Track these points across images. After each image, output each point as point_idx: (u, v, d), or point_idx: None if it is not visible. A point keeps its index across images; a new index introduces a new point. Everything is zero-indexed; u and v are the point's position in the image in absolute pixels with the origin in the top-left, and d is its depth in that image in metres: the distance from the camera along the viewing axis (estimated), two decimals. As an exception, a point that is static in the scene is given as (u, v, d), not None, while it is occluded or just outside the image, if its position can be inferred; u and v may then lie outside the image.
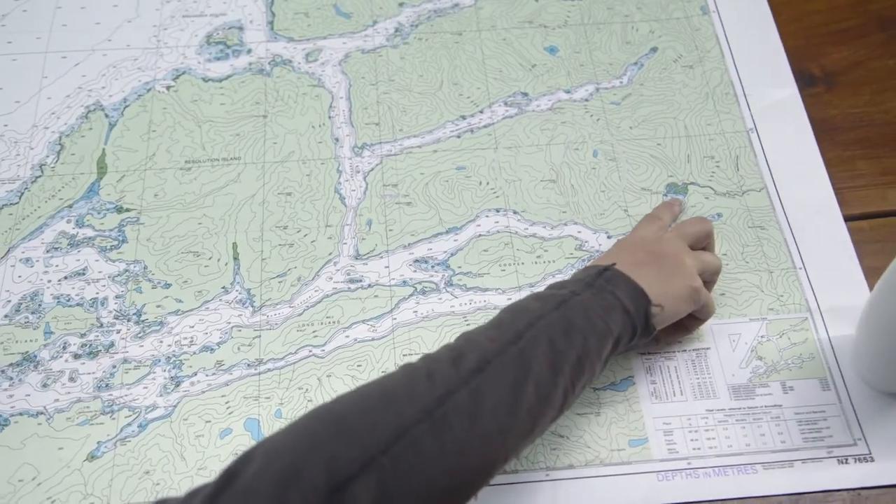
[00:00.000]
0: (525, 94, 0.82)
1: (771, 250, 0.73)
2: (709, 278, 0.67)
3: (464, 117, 0.81)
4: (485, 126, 0.81)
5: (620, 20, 0.87)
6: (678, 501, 0.63)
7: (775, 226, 0.75)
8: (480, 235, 0.74)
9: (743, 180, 0.77)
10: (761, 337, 0.69)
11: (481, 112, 0.81)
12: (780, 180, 0.77)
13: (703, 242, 0.68)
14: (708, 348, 0.69)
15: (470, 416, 0.50)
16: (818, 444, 0.65)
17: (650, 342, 0.64)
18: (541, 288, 0.70)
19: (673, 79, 0.83)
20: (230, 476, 0.45)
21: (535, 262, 0.73)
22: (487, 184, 0.77)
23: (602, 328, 0.57)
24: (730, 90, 0.82)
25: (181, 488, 0.63)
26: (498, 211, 0.76)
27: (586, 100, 0.82)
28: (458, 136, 0.80)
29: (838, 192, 0.76)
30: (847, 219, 0.75)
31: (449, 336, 0.69)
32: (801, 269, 0.72)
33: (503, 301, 0.71)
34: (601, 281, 0.60)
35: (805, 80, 0.82)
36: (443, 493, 0.50)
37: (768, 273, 0.72)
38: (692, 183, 0.77)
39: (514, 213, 0.76)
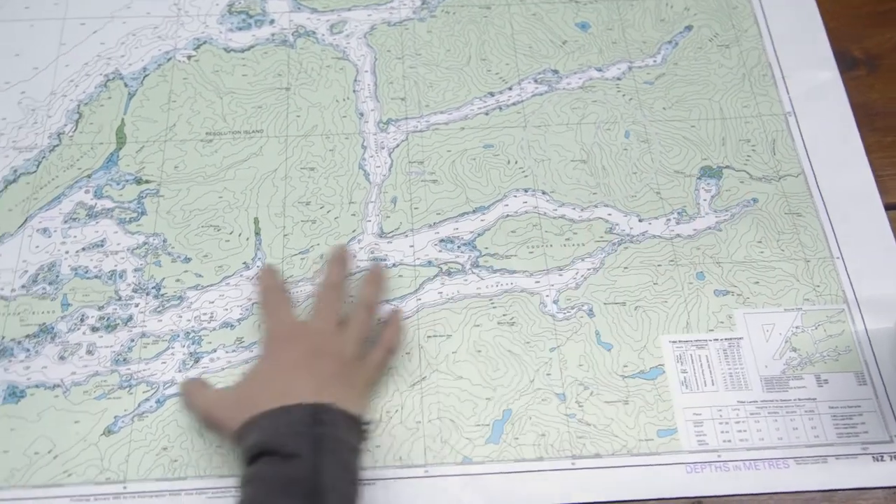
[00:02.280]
0: (555, 72, 0.80)
1: (808, 238, 0.71)
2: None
3: (492, 94, 0.79)
4: (513, 103, 0.78)
5: (655, -4, 0.85)
6: (707, 494, 0.61)
7: (812, 213, 0.73)
8: (508, 216, 0.73)
9: (780, 165, 0.75)
10: (796, 328, 0.67)
11: (510, 89, 0.79)
12: (819, 166, 0.75)
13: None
14: (741, 338, 0.67)
15: None
16: (853, 440, 0.63)
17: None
18: (568, 273, 0.69)
19: (709, 58, 0.81)
20: None
21: (564, 245, 0.71)
22: (516, 163, 0.75)
23: (351, 490, 0.55)
24: (767, 72, 0.80)
25: (199, 466, 0.62)
26: (526, 191, 0.74)
27: (618, 78, 0.80)
28: (486, 114, 0.78)
29: (879, 179, 0.74)
30: (888, 207, 0.73)
31: (475, 318, 0.68)
32: (838, 258, 0.70)
33: (531, 284, 0.69)
34: (325, 434, 0.55)
35: (846, 63, 0.80)
36: None
37: (804, 262, 0.70)
38: (727, 166, 0.75)
39: (543, 193, 0.74)
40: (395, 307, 0.68)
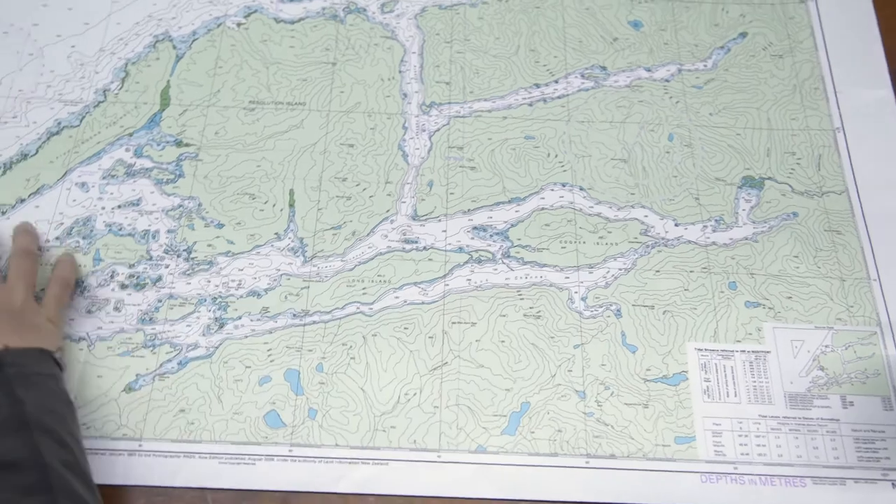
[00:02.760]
0: (603, 68, 0.79)
1: (845, 257, 0.70)
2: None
3: (537, 85, 0.78)
4: (559, 97, 0.78)
5: (711, 0, 0.83)
6: (720, 506, 0.61)
7: (853, 232, 0.71)
8: (543, 209, 0.72)
9: (823, 181, 0.74)
10: (825, 347, 0.66)
11: (556, 82, 0.79)
12: (864, 185, 0.73)
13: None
14: (768, 352, 0.66)
15: None
16: (873, 465, 0.62)
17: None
18: (599, 271, 0.69)
19: (760, 67, 0.79)
20: None
21: (597, 243, 0.71)
22: (556, 156, 0.75)
23: (60, 408, 0.58)
24: (819, 85, 0.78)
25: (215, 431, 0.63)
26: (564, 185, 0.73)
27: (667, 80, 0.79)
28: (530, 105, 0.77)
29: (924, 203, 0.73)
30: (931, 233, 0.71)
31: (501, 308, 0.68)
32: (875, 280, 0.69)
33: (560, 279, 0.69)
34: (11, 371, 0.57)
35: (902, 83, 0.78)
36: None
37: (840, 281, 0.69)
38: (769, 178, 0.74)
39: (581, 189, 0.73)
40: (65, 250, 0.69)
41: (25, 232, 0.69)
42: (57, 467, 0.53)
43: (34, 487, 0.52)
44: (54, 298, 0.65)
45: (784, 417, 0.64)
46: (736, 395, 0.64)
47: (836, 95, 0.78)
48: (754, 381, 0.65)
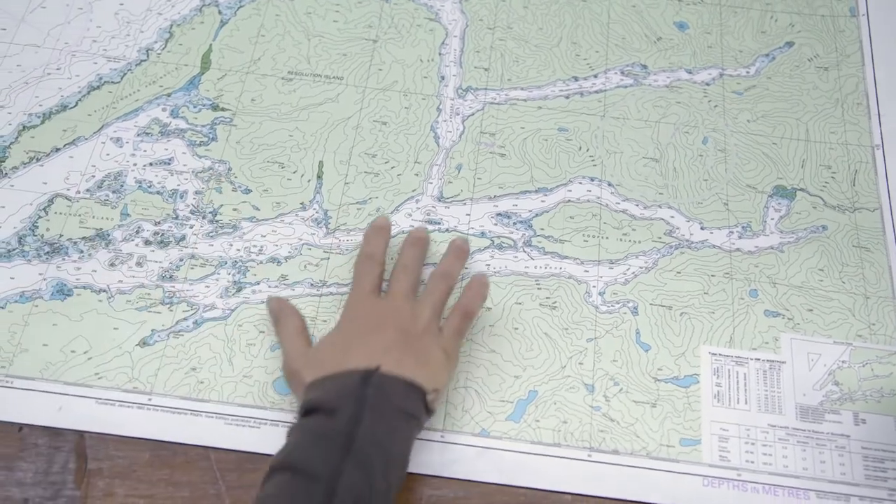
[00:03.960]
0: (644, 67, 0.79)
1: (872, 275, 0.69)
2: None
3: (576, 79, 0.78)
4: (596, 91, 0.77)
5: (760, 7, 0.82)
6: (720, 511, 0.60)
7: (882, 250, 0.70)
8: (569, 201, 0.72)
9: (857, 197, 0.72)
10: (842, 362, 0.65)
11: (595, 77, 0.78)
12: (898, 204, 0.72)
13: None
14: (784, 362, 0.65)
15: None
16: (880, 485, 0.61)
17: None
18: (619, 268, 0.68)
19: (804, 78, 0.78)
20: None
21: (620, 240, 0.70)
22: (587, 150, 0.74)
23: (398, 451, 0.54)
24: (863, 101, 0.77)
25: (223, 391, 0.63)
26: (592, 180, 0.73)
27: (707, 84, 0.78)
28: (567, 97, 0.77)
29: (957, 227, 0.71)
30: (961, 257, 0.70)
31: (518, 296, 0.67)
32: (900, 300, 0.68)
33: (580, 272, 0.68)
34: (371, 394, 0.54)
35: (946, 105, 0.77)
36: None
37: (864, 298, 0.68)
38: (802, 189, 0.73)
39: (609, 185, 0.73)
40: (482, 272, 0.68)
41: (421, 243, 0.67)
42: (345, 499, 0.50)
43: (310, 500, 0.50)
44: (454, 330, 0.62)
45: (793, 429, 0.63)
46: (746, 403, 0.64)
47: (878, 112, 0.77)
48: (766, 390, 0.64)
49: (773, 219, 0.71)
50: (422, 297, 0.63)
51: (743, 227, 0.71)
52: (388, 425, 0.54)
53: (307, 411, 0.55)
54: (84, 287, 0.67)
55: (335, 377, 0.56)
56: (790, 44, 0.80)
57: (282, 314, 0.64)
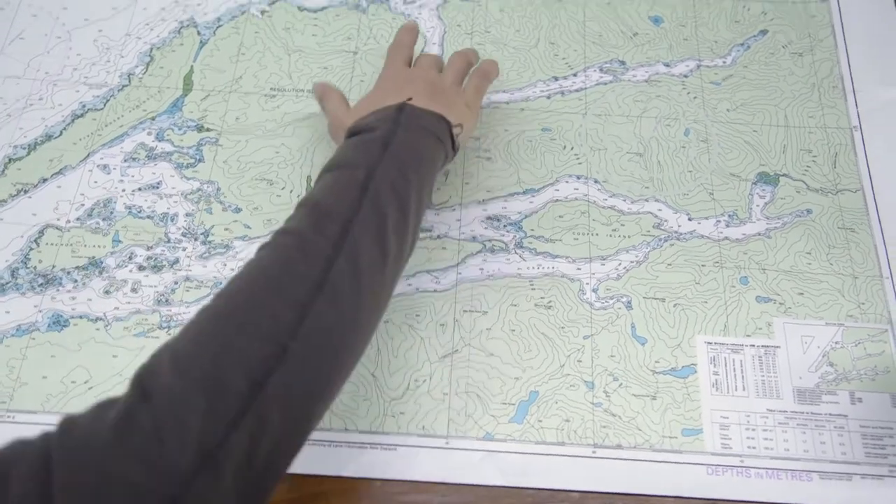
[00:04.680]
0: (622, 63, 0.80)
1: (858, 255, 0.70)
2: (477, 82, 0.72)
3: (556, 78, 0.79)
4: (576, 90, 0.78)
5: (732, -3, 0.83)
6: (725, 498, 0.61)
7: (866, 230, 0.71)
8: (558, 200, 0.73)
9: (839, 179, 0.74)
10: (835, 343, 0.66)
11: (575, 75, 0.79)
12: (879, 184, 0.73)
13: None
14: (778, 347, 0.66)
15: (352, 277, 0.51)
16: (880, 462, 0.62)
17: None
18: (611, 264, 0.69)
19: (779, 65, 0.79)
20: (143, 389, 0.44)
21: (610, 236, 0.71)
22: (572, 149, 0.75)
23: (426, 158, 0.61)
24: (838, 84, 0.78)
25: (227, 411, 0.63)
26: (579, 178, 0.74)
27: (685, 76, 0.79)
28: (548, 97, 0.78)
29: (939, 203, 0.72)
30: (945, 232, 0.71)
31: (512, 298, 0.68)
32: (887, 278, 0.69)
33: (572, 270, 0.69)
34: (404, 118, 0.61)
35: (921, 84, 0.78)
36: (349, 353, 0.52)
37: (852, 278, 0.69)
38: (784, 174, 0.74)
39: (595, 181, 0.73)
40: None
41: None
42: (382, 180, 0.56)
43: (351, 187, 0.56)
44: (475, 88, 0.71)
45: (792, 412, 0.64)
46: (744, 389, 0.65)
47: (854, 94, 0.78)
48: (763, 376, 0.65)
49: (758, 205, 0.72)
50: (444, 69, 0.71)
51: (729, 216, 0.72)
52: (418, 140, 0.61)
53: (348, 137, 0.62)
54: (80, 316, 0.67)
55: (374, 112, 0.63)
56: (764, 32, 0.81)
57: (326, 91, 0.70)
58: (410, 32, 0.73)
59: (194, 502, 0.41)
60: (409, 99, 0.63)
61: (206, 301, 0.50)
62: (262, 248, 0.53)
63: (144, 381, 0.44)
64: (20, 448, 0.40)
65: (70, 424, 0.42)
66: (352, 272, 0.51)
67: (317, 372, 0.49)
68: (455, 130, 0.64)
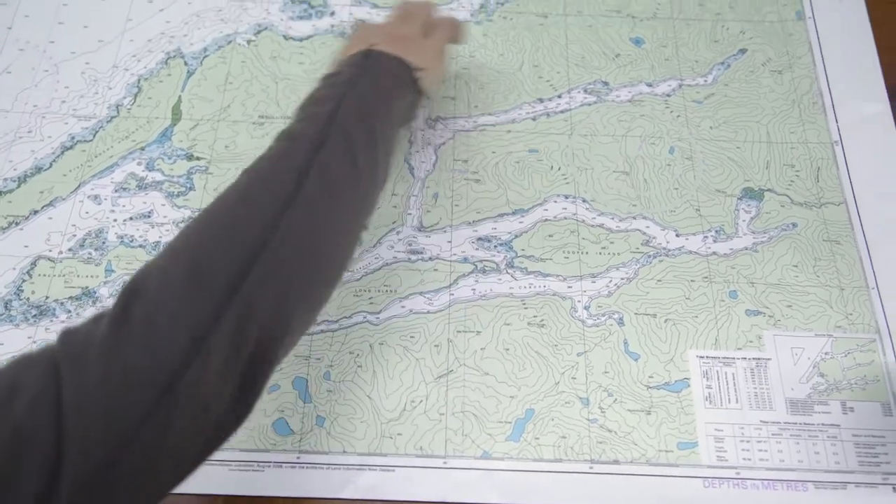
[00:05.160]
0: (605, 84, 0.81)
1: (844, 266, 0.71)
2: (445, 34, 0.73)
3: (541, 100, 0.80)
4: (562, 111, 0.79)
5: (711, 18, 0.85)
6: (722, 510, 0.62)
7: (851, 242, 0.72)
8: (547, 220, 0.73)
9: (822, 192, 0.75)
10: (825, 354, 0.67)
11: (559, 97, 0.80)
12: (861, 196, 0.74)
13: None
14: (769, 359, 0.67)
15: (326, 190, 0.54)
16: (874, 470, 0.63)
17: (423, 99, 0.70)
18: (601, 281, 0.70)
19: (760, 82, 0.81)
20: (133, 288, 0.46)
21: (600, 254, 0.72)
22: (559, 169, 0.76)
23: (392, 95, 0.63)
24: (818, 100, 0.80)
25: (224, 438, 0.63)
26: (567, 197, 0.75)
27: (668, 95, 0.80)
28: (534, 119, 0.79)
29: (921, 214, 0.74)
30: (928, 243, 0.72)
31: (505, 317, 0.69)
32: (873, 289, 0.70)
33: (563, 288, 0.70)
34: (370, 62, 0.63)
35: (898, 97, 0.80)
36: (327, 259, 0.55)
37: (839, 290, 0.70)
38: (769, 189, 0.75)
39: (584, 201, 0.74)
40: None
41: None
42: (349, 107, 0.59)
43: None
44: (444, 36, 0.72)
45: (785, 423, 0.65)
46: (737, 402, 0.65)
47: (834, 110, 0.79)
48: (755, 388, 0.66)
49: (744, 220, 0.73)
50: (408, 22, 0.71)
51: (716, 231, 0.73)
52: (382, 79, 0.63)
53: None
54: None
55: (343, 60, 0.65)
56: (743, 50, 0.83)
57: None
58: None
59: (190, 384, 0.44)
60: (374, 45, 0.65)
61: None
62: (242, 173, 0.55)
63: (134, 283, 0.46)
64: (25, 361, 0.43)
65: (69, 332, 0.44)
66: (324, 186, 0.54)
67: (296, 268, 0.51)
68: (416, 73, 0.66)
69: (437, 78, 0.72)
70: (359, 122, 0.58)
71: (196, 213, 0.72)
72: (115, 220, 0.72)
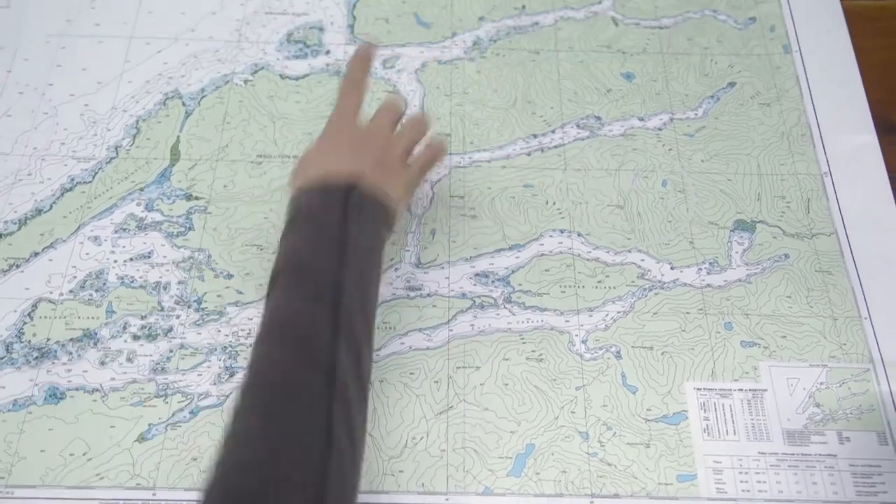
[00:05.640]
0: (598, 118, 0.82)
1: (837, 297, 0.72)
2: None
3: (535, 136, 0.81)
4: (555, 146, 0.80)
5: (700, 52, 0.86)
6: (723, 542, 0.62)
7: (843, 272, 0.74)
8: (543, 255, 0.74)
9: (813, 223, 0.76)
10: (820, 384, 0.68)
11: (553, 132, 0.81)
12: (852, 227, 0.76)
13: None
14: (765, 390, 0.68)
15: (350, 430, 0.53)
16: (871, 499, 0.63)
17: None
18: (598, 315, 0.70)
19: (749, 115, 0.82)
20: None
21: (596, 287, 0.73)
22: (554, 204, 0.77)
23: (376, 258, 0.62)
24: (806, 132, 0.81)
25: (226, 478, 0.64)
26: (562, 232, 0.76)
27: (659, 129, 0.82)
28: (528, 154, 0.80)
29: (910, 244, 0.75)
30: (918, 272, 0.73)
31: (504, 352, 0.69)
32: (866, 318, 0.71)
33: (561, 322, 0.71)
34: (352, 209, 0.60)
35: (885, 129, 0.81)
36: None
37: (832, 320, 0.71)
38: (761, 221, 0.76)
39: (579, 235, 0.75)
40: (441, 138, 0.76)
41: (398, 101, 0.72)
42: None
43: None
44: (420, 168, 0.70)
45: (783, 454, 0.65)
46: (735, 433, 0.66)
47: (822, 141, 0.81)
48: (752, 419, 0.67)
49: (737, 252, 0.75)
50: (399, 134, 0.69)
51: (710, 263, 0.74)
52: (366, 237, 0.61)
53: (293, 218, 0.62)
54: (77, 388, 0.67)
55: (323, 186, 0.62)
56: (732, 84, 0.85)
57: (349, 89, 0.70)
58: (364, 64, 0.71)
59: None
60: (356, 185, 0.62)
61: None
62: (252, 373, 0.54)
63: None
64: None
65: None
66: (346, 415, 0.52)
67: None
68: (392, 211, 0.64)
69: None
70: (362, 322, 0.57)
71: (197, 253, 0.73)
72: (115, 261, 0.73)
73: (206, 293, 0.72)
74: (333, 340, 0.54)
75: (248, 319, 0.70)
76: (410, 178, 0.69)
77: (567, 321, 0.71)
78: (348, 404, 0.53)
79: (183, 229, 0.75)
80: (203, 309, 0.71)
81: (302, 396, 0.52)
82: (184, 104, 0.82)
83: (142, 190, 0.77)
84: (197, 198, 0.77)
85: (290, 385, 0.52)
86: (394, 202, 0.64)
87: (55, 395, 0.67)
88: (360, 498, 0.63)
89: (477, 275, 0.73)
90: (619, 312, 0.72)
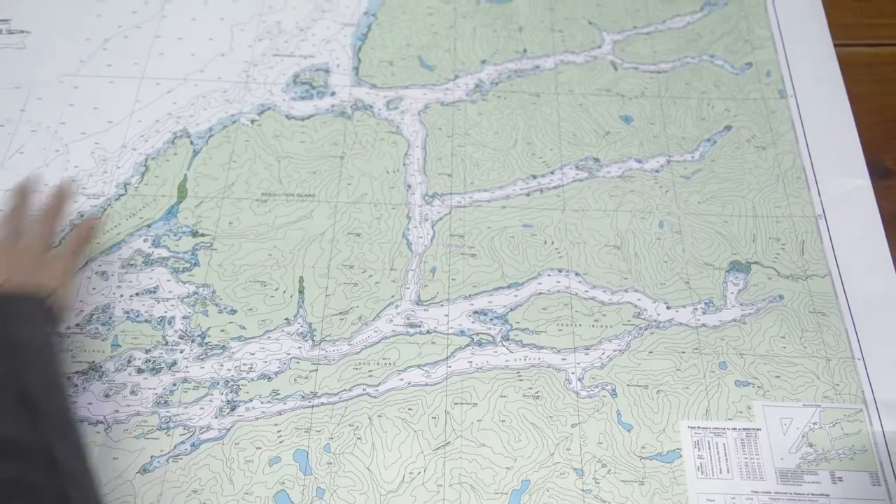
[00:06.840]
0: (597, 160, 0.84)
1: (830, 338, 0.73)
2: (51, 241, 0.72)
3: (534, 177, 0.83)
4: (554, 187, 0.82)
5: (697, 96, 0.88)
6: (716, 580, 0.63)
7: (836, 314, 0.75)
8: (541, 293, 0.76)
9: (807, 265, 0.77)
10: (813, 424, 0.69)
11: (552, 173, 0.83)
12: (845, 269, 0.77)
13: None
14: (759, 429, 0.69)
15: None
16: (863, 539, 0.64)
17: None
18: (594, 353, 0.71)
19: (745, 158, 0.84)
20: None
21: (593, 326, 0.74)
22: (552, 243, 0.78)
23: (46, 351, 0.62)
24: (801, 175, 0.83)
25: (226, 511, 0.65)
26: (560, 271, 0.77)
27: (657, 171, 0.83)
28: (528, 195, 0.81)
29: (903, 286, 0.76)
30: (910, 313, 0.74)
31: (501, 389, 0.70)
32: (859, 359, 0.72)
33: (558, 360, 0.72)
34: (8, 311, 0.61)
35: (879, 172, 0.82)
36: None
37: (826, 360, 0.72)
38: (756, 262, 0.77)
39: (576, 274, 0.77)
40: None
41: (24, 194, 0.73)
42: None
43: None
44: (71, 247, 0.72)
45: (776, 493, 0.66)
46: (728, 472, 0.67)
47: (816, 184, 0.82)
48: (746, 458, 0.67)
49: (732, 293, 0.76)
50: (31, 225, 0.71)
51: (706, 304, 0.75)
52: (23, 330, 0.61)
53: None
54: (81, 420, 0.68)
55: None
56: (728, 127, 0.86)
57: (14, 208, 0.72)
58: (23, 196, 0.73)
59: None
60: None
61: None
62: None
63: None
64: None
65: None
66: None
67: None
68: (51, 301, 0.65)
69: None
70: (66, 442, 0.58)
71: (202, 289, 0.74)
72: (121, 296, 0.75)
73: (209, 328, 0.73)
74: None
75: (251, 354, 0.72)
76: (64, 264, 0.70)
77: (563, 359, 0.72)
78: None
79: (189, 265, 0.76)
80: (206, 343, 0.72)
81: None
82: (192, 143, 0.84)
83: (149, 226, 0.78)
84: (203, 234, 0.78)
85: None
86: (51, 291, 0.65)
87: (60, 427, 0.68)
88: (357, 532, 0.64)
89: (475, 312, 0.74)
90: (615, 351, 0.73)
